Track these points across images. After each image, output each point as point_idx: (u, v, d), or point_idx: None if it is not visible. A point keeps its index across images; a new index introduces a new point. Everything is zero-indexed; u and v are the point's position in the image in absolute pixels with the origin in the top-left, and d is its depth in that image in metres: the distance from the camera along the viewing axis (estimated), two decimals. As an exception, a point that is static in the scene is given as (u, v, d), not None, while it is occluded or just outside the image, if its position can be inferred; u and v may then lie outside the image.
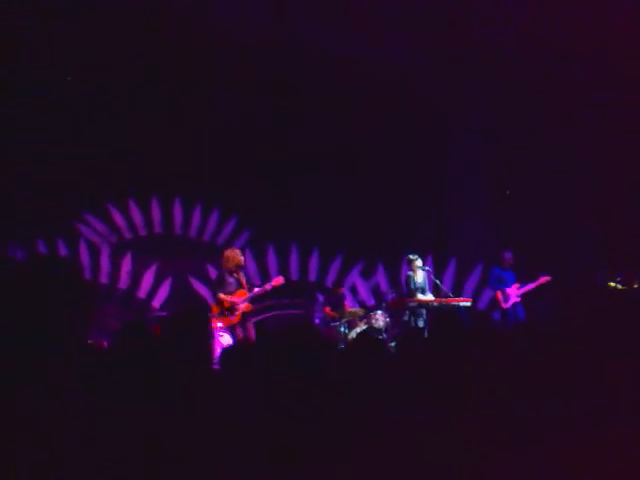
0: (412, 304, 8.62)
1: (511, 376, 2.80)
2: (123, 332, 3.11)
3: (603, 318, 3.29)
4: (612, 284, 8.51)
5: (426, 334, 6.87)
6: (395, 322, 9.10)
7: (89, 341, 5.23)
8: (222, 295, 7.48)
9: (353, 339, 8.27)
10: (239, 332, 7.42)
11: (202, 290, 10.17)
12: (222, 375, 2.97)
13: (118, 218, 10.32)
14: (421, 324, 8.40)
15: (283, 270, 10.85)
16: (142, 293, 10.17)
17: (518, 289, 9.11)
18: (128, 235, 10.39)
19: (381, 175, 10.87)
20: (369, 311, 9.56)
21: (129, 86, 9.47)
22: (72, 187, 9.37)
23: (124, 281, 10.09)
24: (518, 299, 9.11)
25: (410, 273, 8.91)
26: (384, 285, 11.14)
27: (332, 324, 9.25)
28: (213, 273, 9.58)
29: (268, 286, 7.77)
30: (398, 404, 2.62)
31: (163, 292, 10.21)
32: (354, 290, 11.22)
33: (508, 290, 9.10)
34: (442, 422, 2.48)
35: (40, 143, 8.99)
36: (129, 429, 2.17)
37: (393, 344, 8.44)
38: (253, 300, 7.76)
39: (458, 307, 8.54)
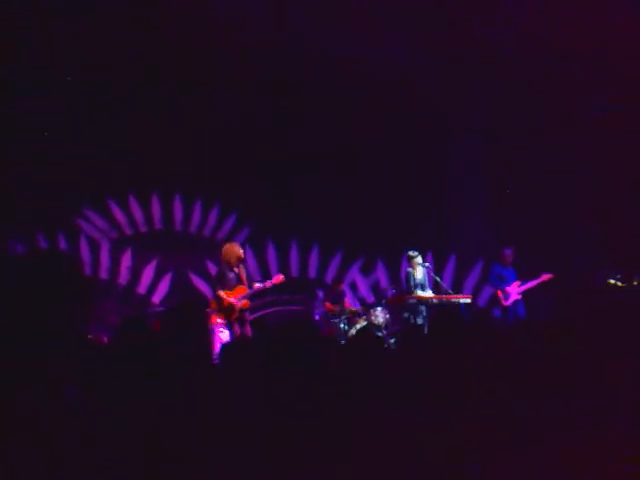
0: (412, 301, 8.63)
1: (511, 374, 2.80)
2: (123, 327, 3.11)
3: (603, 316, 3.29)
4: (612, 282, 8.50)
5: (426, 331, 6.87)
6: (395, 319, 9.11)
7: (89, 336, 5.23)
8: (221, 293, 7.48)
9: (353, 336, 8.28)
10: (236, 328, 7.42)
11: (202, 286, 10.18)
12: (222, 371, 2.98)
13: (118, 214, 10.32)
14: (421, 321, 8.40)
15: (283, 266, 10.85)
16: (142, 289, 10.17)
17: (519, 287, 9.10)
18: (128, 231, 10.40)
19: (381, 172, 10.87)
20: (369, 308, 9.57)
21: (130, 83, 9.46)
22: (73, 183, 9.36)
23: (124, 277, 10.10)
24: (519, 297, 9.08)
25: (410, 270, 8.92)
26: (384, 282, 11.14)
27: (332, 320, 9.25)
28: (213, 269, 9.58)
29: (268, 284, 7.76)
30: (398, 401, 2.62)
31: (163, 288, 10.22)
32: (354, 287, 11.22)
33: (508, 288, 9.09)
34: (442, 419, 2.48)
35: (41, 139, 8.99)
36: (129, 424, 2.18)
37: (393, 340, 8.46)
38: (252, 297, 7.76)
39: (458, 304, 8.54)
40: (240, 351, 3.00)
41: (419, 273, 8.89)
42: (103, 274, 10.00)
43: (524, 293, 9.08)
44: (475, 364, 2.89)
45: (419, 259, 8.92)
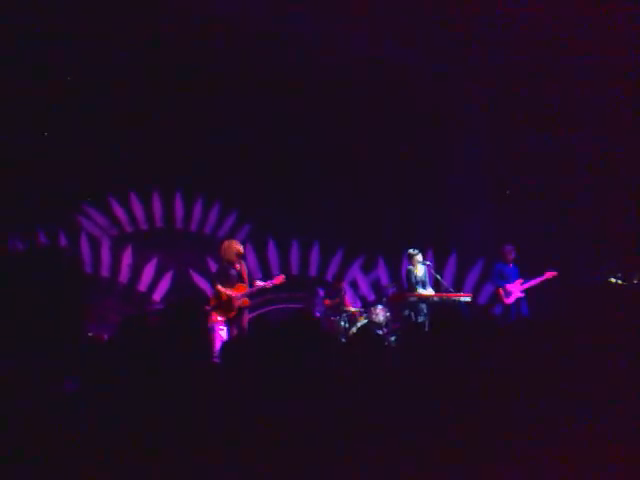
0: (412, 299, 8.63)
1: (510, 371, 2.79)
2: (123, 325, 3.11)
3: (604, 314, 3.29)
4: (613, 280, 8.49)
5: (426, 329, 6.86)
6: (395, 317, 9.11)
7: (89, 334, 5.24)
8: (220, 287, 7.47)
9: (354, 334, 8.28)
10: (234, 327, 7.41)
11: (203, 283, 10.18)
12: (222, 368, 2.97)
13: (119, 211, 10.32)
14: (421, 319, 8.40)
15: (283, 264, 10.86)
16: (143, 286, 10.18)
17: (522, 284, 9.08)
18: (129, 228, 10.40)
19: (382, 171, 10.87)
20: (369, 306, 9.56)
21: (132, 81, 9.45)
22: (73, 180, 9.36)
23: (125, 274, 10.10)
24: (522, 294, 9.07)
25: (410, 267, 8.92)
26: (384, 280, 11.14)
27: (333, 318, 9.25)
28: (214, 267, 9.58)
29: (269, 284, 7.76)
30: (398, 399, 2.62)
31: (164, 285, 10.22)
32: (355, 285, 11.23)
33: (510, 286, 9.08)
34: (443, 418, 2.47)
35: (42, 136, 8.98)
36: (129, 422, 2.17)
37: (393, 338, 8.46)
38: (252, 295, 7.76)
39: (458, 302, 8.54)
40: (240, 349, 3.00)
41: (420, 271, 8.89)
42: (104, 272, 10.00)
43: (527, 291, 9.06)
44: (475, 361, 2.89)
45: (419, 257, 8.92)
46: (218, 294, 7.47)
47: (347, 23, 9.61)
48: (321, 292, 10.60)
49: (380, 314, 8.95)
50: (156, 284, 10.21)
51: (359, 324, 8.86)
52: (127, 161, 9.58)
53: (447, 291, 8.92)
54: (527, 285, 9.06)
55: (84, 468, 1.90)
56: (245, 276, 7.60)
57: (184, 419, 2.26)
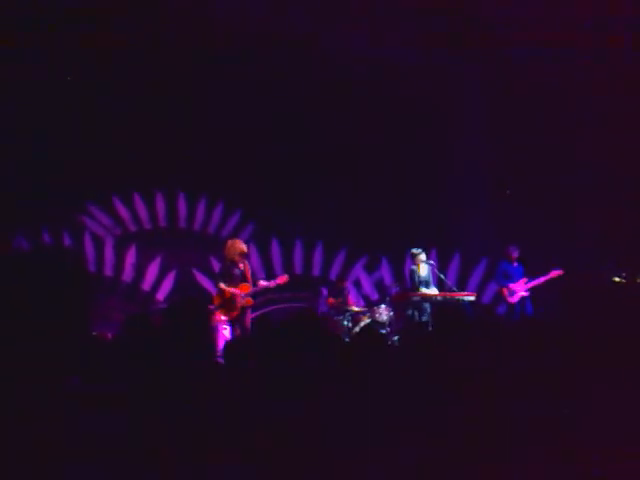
0: (416, 298, 8.62)
1: (513, 371, 2.79)
2: (127, 324, 3.11)
3: (608, 313, 3.29)
4: (617, 279, 8.47)
5: (430, 328, 6.86)
6: (399, 316, 9.10)
7: (93, 333, 5.24)
8: (223, 285, 7.47)
9: (357, 333, 8.27)
10: (237, 326, 7.42)
11: (206, 283, 10.19)
12: (225, 368, 2.98)
13: (123, 211, 10.33)
14: (425, 318, 8.40)
15: (287, 264, 10.86)
16: (146, 286, 10.19)
17: (526, 283, 9.06)
18: (133, 228, 10.41)
19: (386, 170, 10.86)
20: (373, 305, 9.56)
21: (135, 81, 9.46)
22: (77, 180, 9.37)
23: (128, 274, 10.11)
24: (526, 294, 9.05)
25: (414, 267, 8.91)
26: (388, 279, 11.13)
27: (336, 318, 9.25)
28: (217, 266, 9.58)
29: (272, 283, 7.76)
30: (401, 398, 2.62)
31: (167, 285, 10.23)
32: (358, 284, 11.22)
33: (513, 285, 9.07)
34: (446, 416, 2.47)
35: (46, 136, 9.00)
36: (132, 421, 2.18)
37: (396, 338, 8.45)
38: (255, 295, 7.76)
39: (462, 301, 8.53)
40: (243, 348, 3.00)
41: (423, 271, 8.89)
42: (108, 271, 10.01)
43: (533, 290, 9.04)
44: (478, 361, 2.89)
45: (423, 256, 8.91)
46: (222, 292, 7.48)
47: (347, 23, 9.61)
48: (324, 292, 10.60)
49: (383, 314, 8.94)
50: (160, 283, 10.22)
51: (362, 324, 8.85)
52: (131, 161, 9.59)
53: (451, 290, 8.91)
54: (532, 284, 9.04)
55: (85, 468, 1.91)
56: (248, 275, 7.60)
57: (187, 418, 2.26)
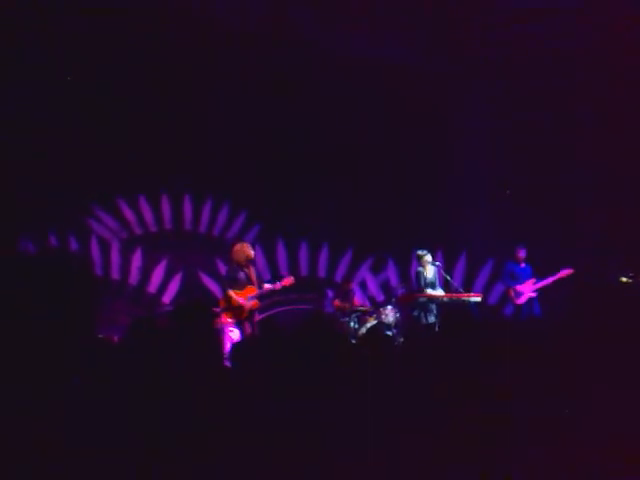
0: (422, 299, 8.60)
1: (520, 371, 2.78)
2: (133, 327, 3.11)
3: (615, 314, 3.27)
4: (624, 279, 8.44)
5: (437, 329, 6.84)
6: (405, 317, 9.08)
7: (100, 336, 5.25)
8: (231, 292, 7.50)
9: (363, 334, 8.26)
10: (247, 327, 7.44)
11: (212, 285, 10.19)
12: (232, 370, 2.97)
13: (129, 214, 10.34)
14: (432, 319, 8.38)
15: (293, 265, 10.86)
16: (152, 288, 10.20)
17: (534, 284, 9.02)
18: (138, 231, 10.42)
19: (391, 171, 10.85)
20: (379, 307, 9.55)
21: (138, 83, 9.48)
22: (83, 182, 9.40)
23: (134, 276, 10.13)
24: (534, 294, 9.01)
25: (420, 269, 8.90)
26: (394, 280, 11.12)
27: (342, 319, 9.24)
28: (223, 268, 9.59)
29: (278, 285, 7.77)
30: (407, 400, 2.61)
31: (173, 287, 10.24)
32: (364, 285, 11.21)
33: (519, 287, 9.03)
34: (453, 418, 2.47)
35: (51, 139, 9.02)
36: (138, 424, 2.18)
37: (403, 339, 8.44)
38: (261, 297, 7.77)
39: (469, 302, 8.51)
40: (251, 350, 3.00)
41: (429, 272, 8.87)
42: (114, 274, 10.03)
43: (541, 290, 8.99)
44: (485, 361, 2.88)
45: (428, 257, 8.90)
46: (228, 298, 7.50)
47: (347, 23, 9.61)
48: (330, 293, 10.60)
49: (390, 315, 8.93)
50: (165, 286, 10.23)
51: (369, 325, 8.84)
52: (135, 163, 9.61)
53: (457, 292, 8.89)
54: (540, 284, 9.00)
55: (90, 470, 1.91)
56: (254, 279, 7.61)
57: (193, 421, 2.26)
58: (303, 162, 10.50)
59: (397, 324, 8.91)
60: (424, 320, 8.42)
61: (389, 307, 9.09)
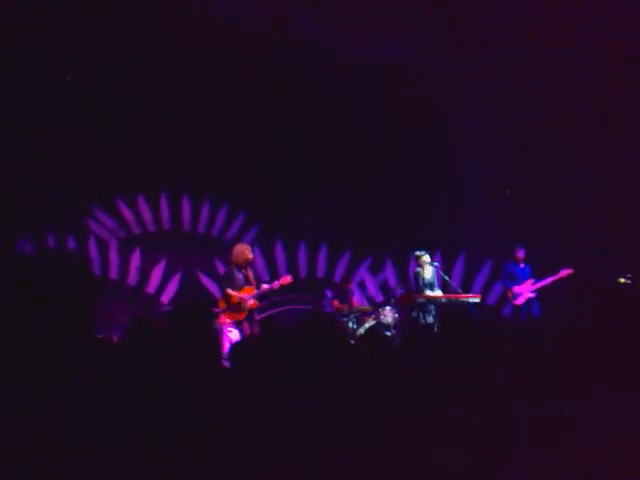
0: (421, 300, 8.60)
1: (519, 372, 2.78)
2: (132, 327, 3.11)
3: (613, 315, 3.27)
4: (622, 281, 8.44)
5: (435, 330, 6.84)
6: (404, 318, 9.08)
7: (99, 336, 5.25)
8: (230, 291, 7.51)
9: (362, 335, 8.27)
10: (246, 328, 7.45)
11: (211, 285, 10.19)
12: (231, 370, 2.97)
13: (127, 213, 10.34)
14: (430, 320, 8.38)
15: (291, 266, 10.86)
16: (151, 288, 10.20)
17: (533, 284, 9.01)
18: (137, 231, 10.42)
19: (390, 172, 10.86)
20: (377, 307, 9.55)
21: (137, 83, 9.48)
22: (82, 182, 9.39)
23: (133, 276, 10.12)
24: (533, 295, 9.00)
25: (418, 269, 8.90)
26: (392, 281, 11.12)
27: (341, 319, 9.25)
28: (221, 268, 9.60)
29: (276, 284, 7.78)
30: (406, 400, 2.61)
31: (172, 287, 10.24)
32: (362, 286, 11.21)
33: (517, 288, 9.03)
34: (451, 418, 2.46)
35: (50, 139, 9.01)
36: (137, 424, 2.17)
37: (401, 340, 8.44)
38: (260, 297, 7.78)
39: (467, 303, 8.51)
40: (250, 350, 3.00)
41: (428, 273, 8.87)
42: (112, 274, 10.02)
43: (540, 291, 8.98)
44: (483, 362, 2.88)
45: (426, 258, 8.90)
46: (228, 297, 7.51)
47: (347, 23, 9.61)
48: (329, 294, 10.59)
49: (388, 315, 8.94)
50: (164, 286, 10.23)
51: (367, 325, 8.84)
52: (135, 163, 9.61)
53: (455, 292, 8.89)
54: (540, 285, 8.99)
55: (90, 470, 1.90)
56: (252, 279, 7.63)
57: (193, 421, 2.26)
58: (303, 162, 10.50)
59: (396, 324, 8.91)
60: (423, 321, 8.42)
61: (388, 308, 9.09)
